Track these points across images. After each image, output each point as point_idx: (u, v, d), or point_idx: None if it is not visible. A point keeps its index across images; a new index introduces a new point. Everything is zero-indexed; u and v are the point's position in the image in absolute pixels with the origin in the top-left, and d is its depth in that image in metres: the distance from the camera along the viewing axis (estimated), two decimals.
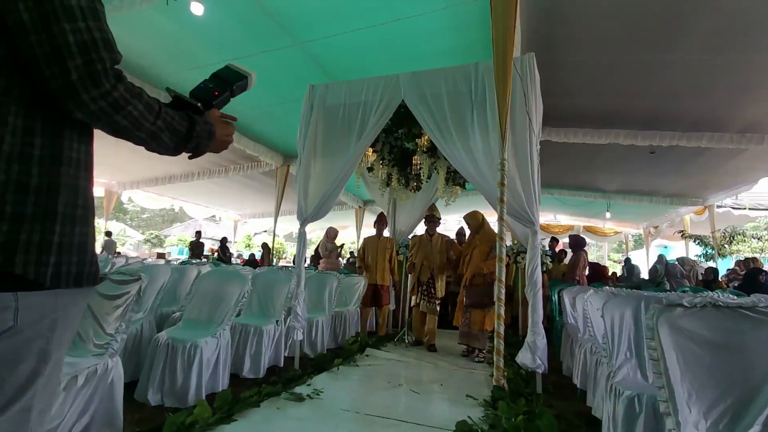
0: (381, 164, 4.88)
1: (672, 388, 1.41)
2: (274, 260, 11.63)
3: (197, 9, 3.84)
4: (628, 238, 16.34)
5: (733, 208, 10.07)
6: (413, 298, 5.00)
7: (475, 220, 4.61)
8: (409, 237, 6.20)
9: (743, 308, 1.48)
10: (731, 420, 1.38)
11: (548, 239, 8.52)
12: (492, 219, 3.75)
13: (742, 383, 1.43)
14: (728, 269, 9.88)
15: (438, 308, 4.88)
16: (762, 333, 1.45)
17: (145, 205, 12.55)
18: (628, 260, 9.37)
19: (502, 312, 2.90)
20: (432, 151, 4.43)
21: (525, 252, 3.62)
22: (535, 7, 3.87)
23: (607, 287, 3.31)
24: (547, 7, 3.90)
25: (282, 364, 3.66)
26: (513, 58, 3.02)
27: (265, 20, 4.20)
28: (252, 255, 13.65)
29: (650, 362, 1.52)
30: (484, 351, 4.32)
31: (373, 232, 5.72)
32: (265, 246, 11.46)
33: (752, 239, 11.01)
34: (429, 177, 4.99)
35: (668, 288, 6.23)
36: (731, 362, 1.46)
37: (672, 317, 1.50)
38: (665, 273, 7.49)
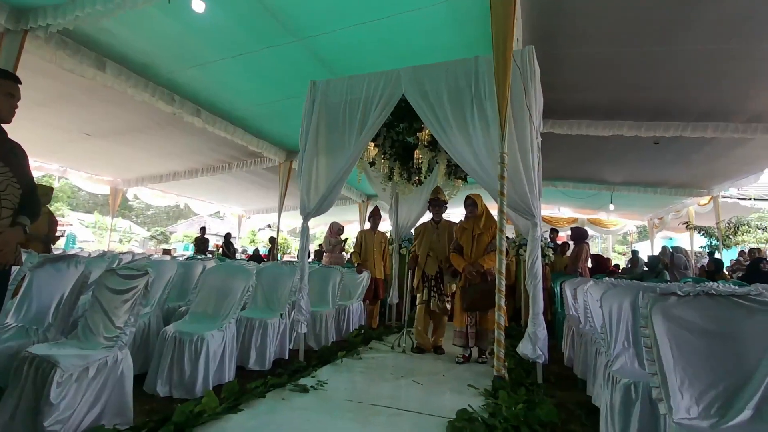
0: (383, 158, 4.90)
1: (665, 374, 1.45)
2: (279, 255, 11.72)
3: (198, 6, 3.87)
4: (632, 229, 16.30)
5: (740, 198, 10.01)
6: (418, 295, 4.38)
7: (481, 202, 4.10)
8: (412, 231, 6.23)
9: (735, 297, 1.51)
10: (723, 405, 1.41)
11: (548, 231, 8.52)
12: (493, 212, 3.76)
13: (734, 370, 1.46)
14: (732, 260, 9.85)
15: (448, 306, 4.24)
16: (754, 321, 1.48)
17: (151, 202, 12.67)
18: (635, 252, 9.35)
19: (503, 303, 2.94)
20: (433, 144, 4.45)
21: (527, 244, 3.64)
22: (536, 0, 3.86)
23: (607, 278, 3.34)
24: None
25: (287, 357, 3.73)
26: (512, 51, 3.03)
27: (266, 17, 4.22)
28: (256, 250, 13.75)
29: (644, 350, 1.55)
30: (486, 353, 3.92)
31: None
32: (272, 240, 11.59)
33: (757, 230, 10.94)
34: (431, 171, 5.00)
35: (669, 278, 6.22)
36: (724, 349, 1.49)
37: (665, 306, 1.54)
38: (669, 264, 7.47)
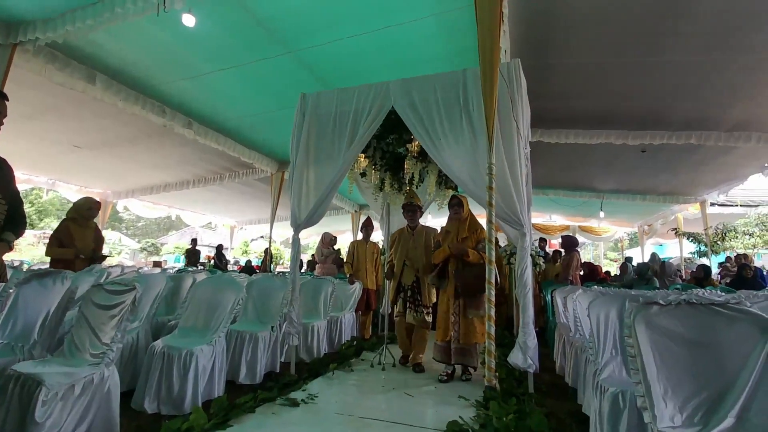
0: (373, 169, 4.93)
1: (648, 384, 1.47)
2: (271, 266, 11.65)
3: (188, 21, 3.90)
4: (623, 236, 16.47)
5: (723, 205, 10.18)
6: (395, 307, 4.10)
7: (467, 204, 3.93)
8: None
9: (716, 305, 1.54)
10: (705, 413, 1.43)
11: (537, 240, 8.61)
12: (482, 222, 3.77)
13: (716, 378, 1.48)
14: (720, 265, 9.98)
15: (429, 318, 3.95)
16: (735, 329, 1.50)
17: (142, 213, 12.56)
18: (628, 259, 9.43)
19: (493, 313, 2.95)
20: (423, 155, 4.48)
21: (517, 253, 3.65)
22: (525, 12, 3.95)
23: (596, 286, 3.37)
24: (538, 10, 3.98)
25: (278, 370, 3.70)
26: (499, 64, 3.08)
27: (257, 30, 4.26)
28: (248, 261, 13.66)
29: (629, 359, 1.57)
30: (469, 368, 3.65)
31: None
32: (266, 251, 11.55)
33: (744, 235, 11.11)
34: (422, 181, 5.02)
35: (658, 285, 6.29)
36: (706, 358, 1.51)
37: (648, 315, 1.56)
38: (659, 271, 7.55)
